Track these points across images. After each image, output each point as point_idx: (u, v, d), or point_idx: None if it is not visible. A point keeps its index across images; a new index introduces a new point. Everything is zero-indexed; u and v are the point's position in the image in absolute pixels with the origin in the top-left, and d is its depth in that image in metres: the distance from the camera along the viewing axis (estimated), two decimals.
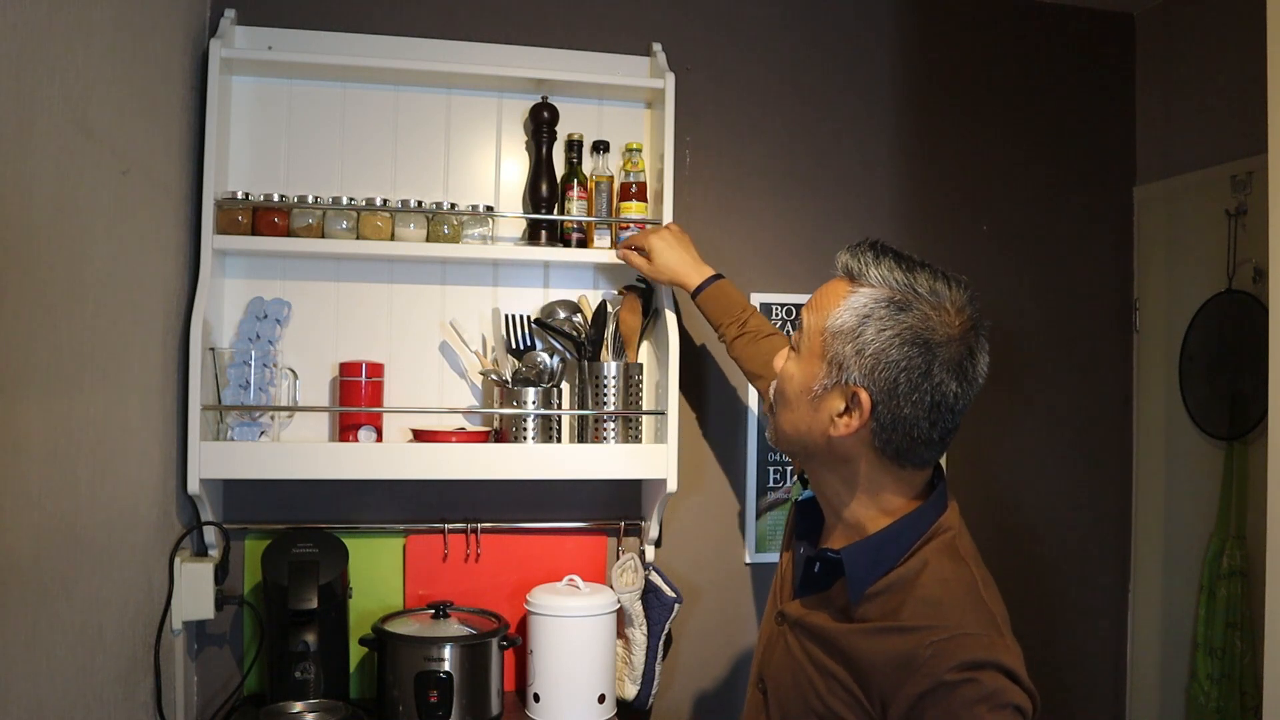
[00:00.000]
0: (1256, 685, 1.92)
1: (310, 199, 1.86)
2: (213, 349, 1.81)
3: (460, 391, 2.03)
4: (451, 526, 1.99)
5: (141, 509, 1.58)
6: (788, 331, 2.09)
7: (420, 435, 1.90)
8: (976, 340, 1.11)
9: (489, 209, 1.95)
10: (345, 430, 1.89)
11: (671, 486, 1.90)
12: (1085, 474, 2.37)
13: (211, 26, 1.91)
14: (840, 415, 1.11)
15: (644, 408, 1.99)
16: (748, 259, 2.16)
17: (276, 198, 1.84)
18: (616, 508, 2.10)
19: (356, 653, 1.91)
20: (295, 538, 1.84)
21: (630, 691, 1.98)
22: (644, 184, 1.99)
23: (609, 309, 1.98)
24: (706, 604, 2.15)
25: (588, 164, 2.02)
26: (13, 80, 1.07)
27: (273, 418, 1.88)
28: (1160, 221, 2.33)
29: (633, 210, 1.96)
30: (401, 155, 2.01)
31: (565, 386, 2.02)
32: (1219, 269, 2.12)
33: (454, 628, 1.85)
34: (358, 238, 1.87)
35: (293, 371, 1.91)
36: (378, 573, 1.99)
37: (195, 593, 1.75)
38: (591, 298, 2.04)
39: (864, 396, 1.09)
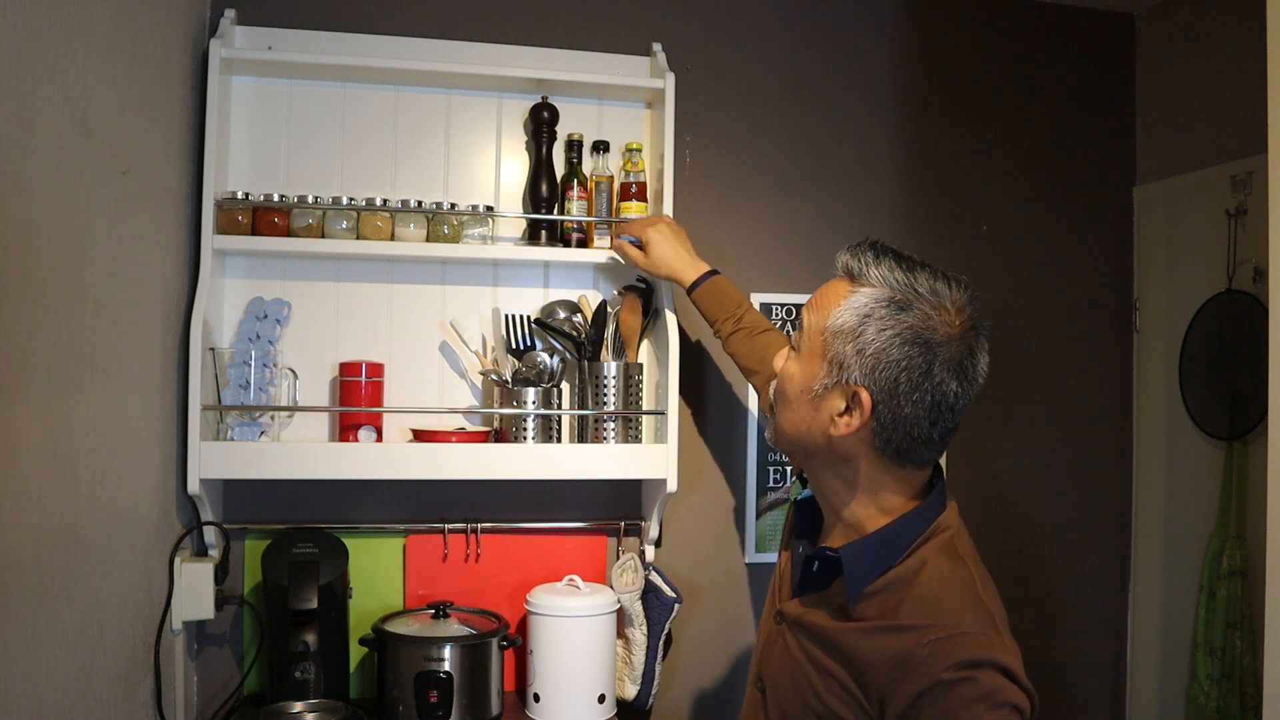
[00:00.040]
0: (1256, 685, 1.92)
1: (310, 199, 1.86)
2: (213, 349, 1.81)
3: (460, 391, 2.03)
4: (451, 526, 1.99)
5: (141, 509, 1.58)
6: (788, 332, 2.09)
7: (420, 435, 1.91)
8: (977, 340, 1.12)
9: (489, 209, 1.95)
10: (345, 430, 1.89)
11: (671, 486, 1.90)
12: (1085, 474, 2.37)
13: (211, 26, 1.91)
14: (841, 415, 1.11)
15: (644, 408, 1.99)
16: (748, 259, 2.17)
17: (276, 198, 1.84)
18: (616, 508, 2.10)
19: (356, 653, 1.91)
20: (295, 538, 1.84)
21: (630, 691, 1.98)
22: (644, 184, 1.99)
23: (609, 309, 1.98)
24: (706, 604, 2.15)
25: (588, 164, 2.02)
26: (13, 80, 1.07)
27: (273, 418, 1.88)
28: (1160, 221, 2.33)
29: (633, 210, 1.96)
30: (401, 155, 2.01)
31: (565, 386, 2.02)
32: (1219, 269, 2.12)
33: (454, 628, 1.85)
34: (358, 238, 1.87)
35: (293, 371, 1.91)
36: (378, 573, 1.99)
37: (195, 593, 1.75)
38: (591, 298, 2.04)
39: (865, 396, 1.09)
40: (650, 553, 2.07)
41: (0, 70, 1.04)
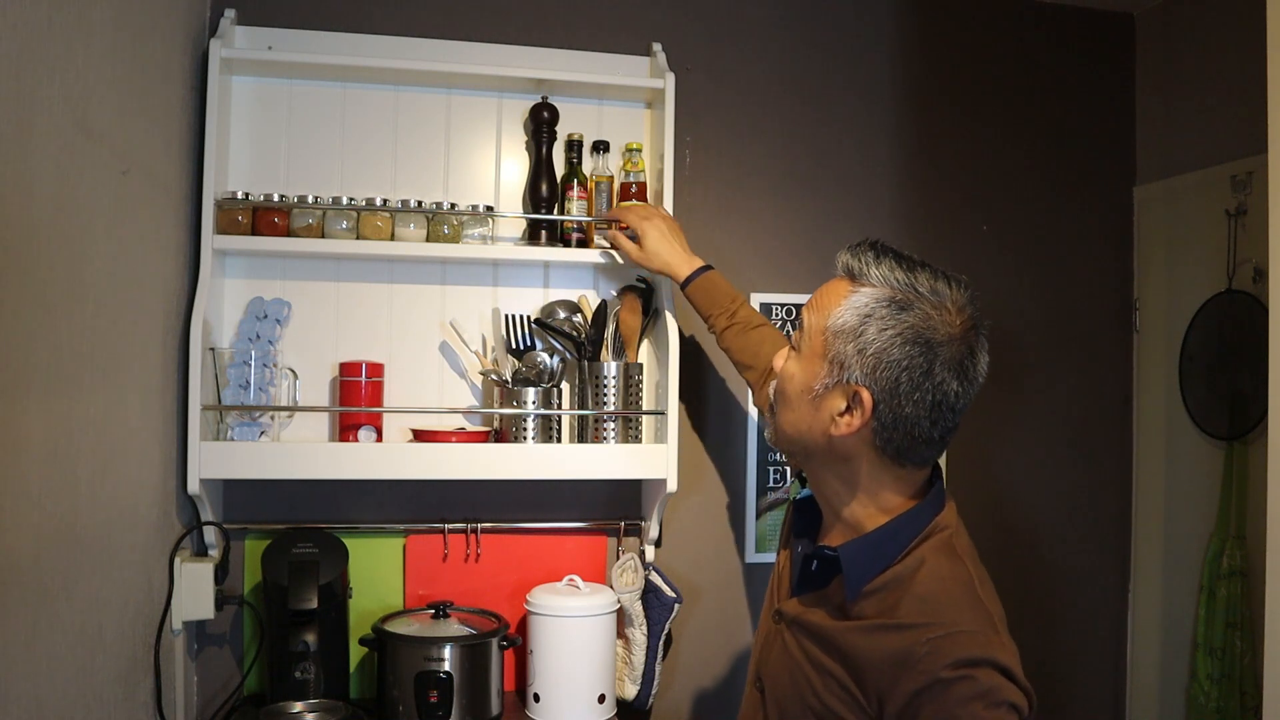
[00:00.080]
0: (1256, 685, 1.92)
1: (310, 199, 1.86)
2: (213, 349, 1.81)
3: (460, 391, 2.03)
4: (451, 526, 1.99)
5: (141, 509, 1.58)
6: (788, 332, 2.09)
7: (420, 435, 1.91)
8: (977, 339, 1.12)
9: (489, 209, 1.95)
10: (345, 430, 1.89)
11: (671, 486, 1.90)
12: (1085, 474, 2.37)
13: (211, 26, 1.91)
14: (841, 414, 1.12)
15: (644, 408, 1.99)
16: (748, 259, 2.17)
17: (276, 198, 1.84)
18: (616, 508, 2.10)
19: (356, 653, 1.91)
20: (295, 538, 1.84)
21: (630, 691, 1.98)
22: (644, 184, 1.99)
23: (609, 309, 1.98)
24: (706, 604, 2.15)
25: (588, 164, 2.02)
26: (13, 80, 1.07)
27: (273, 418, 1.89)
28: (1160, 221, 2.33)
29: None
30: (401, 155, 2.01)
31: (565, 386, 2.02)
32: (1219, 269, 2.12)
33: (454, 628, 1.85)
34: (358, 238, 1.87)
35: (293, 371, 1.91)
36: (378, 573, 1.99)
37: (195, 593, 1.75)
38: (591, 298, 2.04)
39: (865, 395, 1.09)
40: (650, 553, 2.07)
41: (0, 70, 1.04)
